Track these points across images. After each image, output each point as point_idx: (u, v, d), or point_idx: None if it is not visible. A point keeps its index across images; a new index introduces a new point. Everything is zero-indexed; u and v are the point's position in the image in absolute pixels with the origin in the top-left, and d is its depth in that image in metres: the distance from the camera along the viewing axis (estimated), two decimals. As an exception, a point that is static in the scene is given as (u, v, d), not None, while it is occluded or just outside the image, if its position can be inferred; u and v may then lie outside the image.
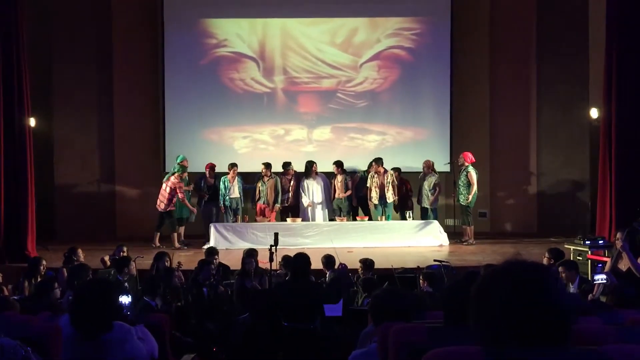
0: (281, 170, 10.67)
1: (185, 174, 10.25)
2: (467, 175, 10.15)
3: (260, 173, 10.50)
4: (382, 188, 10.37)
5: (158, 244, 9.93)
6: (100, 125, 11.73)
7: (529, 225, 11.46)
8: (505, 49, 11.63)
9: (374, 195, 10.38)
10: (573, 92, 11.41)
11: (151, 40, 11.67)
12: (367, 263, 6.60)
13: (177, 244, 9.94)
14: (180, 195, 9.96)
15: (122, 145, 11.64)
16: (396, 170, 10.59)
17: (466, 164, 10.20)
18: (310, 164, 10.58)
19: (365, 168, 10.76)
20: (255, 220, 10.30)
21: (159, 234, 10.13)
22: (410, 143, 11.56)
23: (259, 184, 10.44)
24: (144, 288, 5.52)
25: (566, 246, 7.88)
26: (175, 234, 10.05)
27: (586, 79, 11.25)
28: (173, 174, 10.06)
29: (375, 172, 10.39)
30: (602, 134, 9.26)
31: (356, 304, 5.88)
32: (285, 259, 6.77)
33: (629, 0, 8.83)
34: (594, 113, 11.20)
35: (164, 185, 10.06)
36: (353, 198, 10.62)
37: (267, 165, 10.42)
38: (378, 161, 10.41)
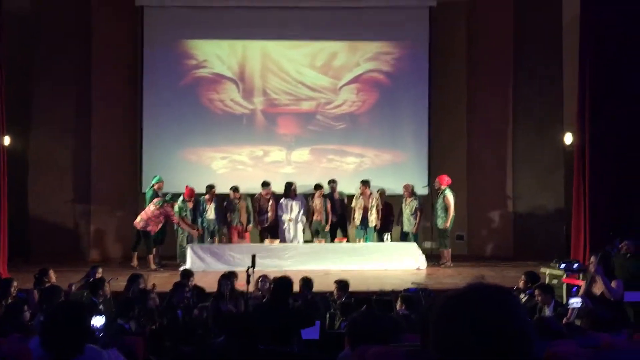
0: (258, 190, 10.63)
1: (176, 204, 10.21)
2: (444, 199, 10.22)
3: (229, 196, 10.43)
4: (365, 210, 10.40)
5: (136, 264, 9.80)
6: (76, 145, 11.58)
7: (505, 248, 11.55)
8: (482, 75, 11.83)
9: (357, 217, 10.40)
10: (548, 116, 11.62)
11: (131, 59, 11.64)
12: (341, 284, 6.58)
13: (153, 266, 9.82)
14: (175, 220, 9.94)
15: (98, 165, 11.50)
16: (381, 191, 10.64)
17: (442, 187, 10.28)
18: (289, 185, 10.58)
19: (345, 189, 10.77)
20: (231, 242, 10.23)
21: (136, 253, 10.00)
22: (389, 166, 11.64)
23: (229, 208, 10.37)
24: (118, 310, 5.42)
25: (542, 269, 7.94)
26: (151, 256, 9.93)
27: (561, 104, 11.48)
28: (167, 202, 9.97)
29: (361, 194, 10.43)
30: (577, 158, 9.42)
31: (334, 327, 5.84)
32: (263, 278, 6.76)
33: (601, 29, 9.07)
34: (568, 138, 11.43)
35: (152, 207, 9.95)
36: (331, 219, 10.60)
37: (235, 189, 10.38)
38: (365, 183, 10.46)
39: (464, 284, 1.33)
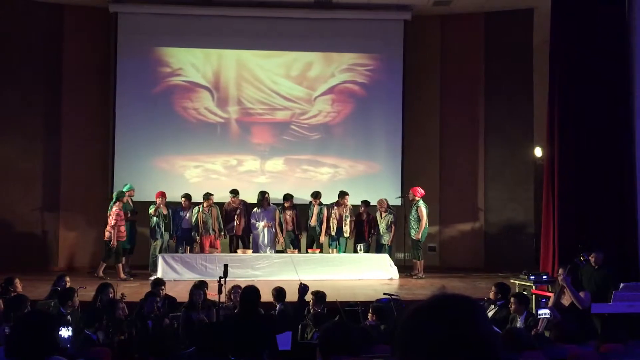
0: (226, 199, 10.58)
1: (126, 199, 10.04)
2: (417, 210, 10.30)
3: (200, 205, 10.32)
4: (340, 221, 10.44)
5: (102, 275, 9.60)
6: (46, 152, 11.39)
7: (476, 260, 11.67)
8: (454, 88, 12.00)
9: (332, 227, 10.43)
10: (518, 132, 11.83)
11: (103, 66, 11.50)
12: (318, 295, 6.54)
13: (122, 275, 9.66)
14: (110, 223, 9.69)
15: (68, 172, 11.32)
16: (365, 203, 10.60)
17: (417, 198, 10.36)
18: (262, 194, 10.54)
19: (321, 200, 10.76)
20: (203, 251, 10.13)
21: (104, 264, 9.81)
22: (363, 176, 11.69)
23: (202, 216, 10.27)
24: (85, 321, 5.32)
25: (512, 281, 8.04)
26: (121, 265, 9.77)
27: (531, 119, 11.70)
28: (114, 202, 9.84)
29: (336, 205, 10.46)
30: (546, 172, 9.60)
31: (305, 338, 5.82)
32: (235, 288, 6.70)
33: (569, 48, 9.30)
34: (538, 152, 11.65)
35: (109, 216, 9.84)
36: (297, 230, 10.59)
37: (208, 196, 10.28)
38: (345, 194, 10.46)
39: (429, 295, 1.33)
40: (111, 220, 9.71)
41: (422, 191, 10.45)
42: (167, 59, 11.54)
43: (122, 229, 9.77)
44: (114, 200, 9.89)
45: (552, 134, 9.40)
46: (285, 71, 11.68)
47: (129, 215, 10.10)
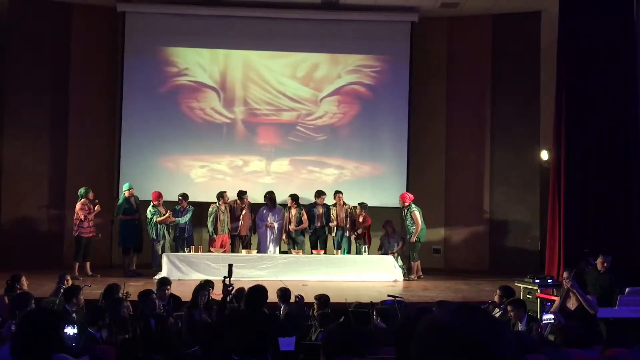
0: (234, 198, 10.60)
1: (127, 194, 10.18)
2: (411, 214, 10.29)
3: (215, 203, 10.35)
4: (340, 221, 10.47)
5: (90, 273, 9.61)
6: (52, 151, 11.44)
7: (481, 263, 11.64)
8: (461, 91, 11.98)
9: (333, 227, 10.47)
10: (525, 134, 11.80)
11: (110, 65, 11.55)
12: (322, 300, 6.51)
13: (76, 273, 9.50)
14: (78, 218, 9.75)
15: (75, 171, 11.36)
16: (362, 205, 10.60)
17: (406, 203, 10.34)
18: (267, 194, 10.57)
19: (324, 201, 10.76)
20: (210, 251, 10.15)
21: (87, 263, 9.81)
22: (368, 178, 11.68)
23: (220, 215, 10.30)
24: (88, 319, 5.35)
25: (516, 284, 8.01)
26: (83, 264, 9.74)
27: (537, 122, 11.67)
28: (79, 200, 9.89)
29: (336, 204, 10.49)
30: (552, 175, 9.57)
31: (309, 339, 5.81)
32: (240, 291, 6.68)
33: (577, 52, 9.28)
34: (544, 155, 11.61)
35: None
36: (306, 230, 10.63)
37: (223, 195, 10.34)
38: (338, 193, 10.52)
39: (455, 303, 1.33)
40: (76, 218, 9.78)
41: (411, 195, 10.46)
42: (174, 59, 11.57)
43: (85, 224, 9.81)
44: (79, 197, 9.92)
45: (559, 136, 9.37)
46: (292, 72, 11.69)
47: (132, 214, 10.18)
